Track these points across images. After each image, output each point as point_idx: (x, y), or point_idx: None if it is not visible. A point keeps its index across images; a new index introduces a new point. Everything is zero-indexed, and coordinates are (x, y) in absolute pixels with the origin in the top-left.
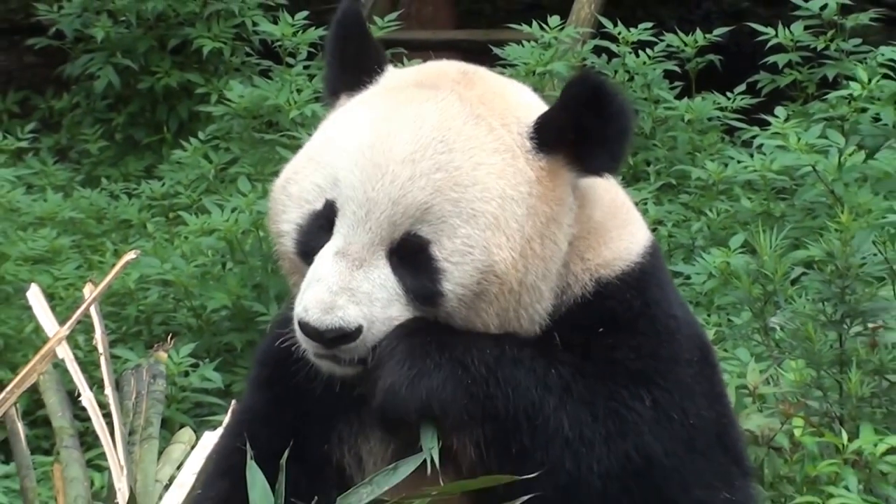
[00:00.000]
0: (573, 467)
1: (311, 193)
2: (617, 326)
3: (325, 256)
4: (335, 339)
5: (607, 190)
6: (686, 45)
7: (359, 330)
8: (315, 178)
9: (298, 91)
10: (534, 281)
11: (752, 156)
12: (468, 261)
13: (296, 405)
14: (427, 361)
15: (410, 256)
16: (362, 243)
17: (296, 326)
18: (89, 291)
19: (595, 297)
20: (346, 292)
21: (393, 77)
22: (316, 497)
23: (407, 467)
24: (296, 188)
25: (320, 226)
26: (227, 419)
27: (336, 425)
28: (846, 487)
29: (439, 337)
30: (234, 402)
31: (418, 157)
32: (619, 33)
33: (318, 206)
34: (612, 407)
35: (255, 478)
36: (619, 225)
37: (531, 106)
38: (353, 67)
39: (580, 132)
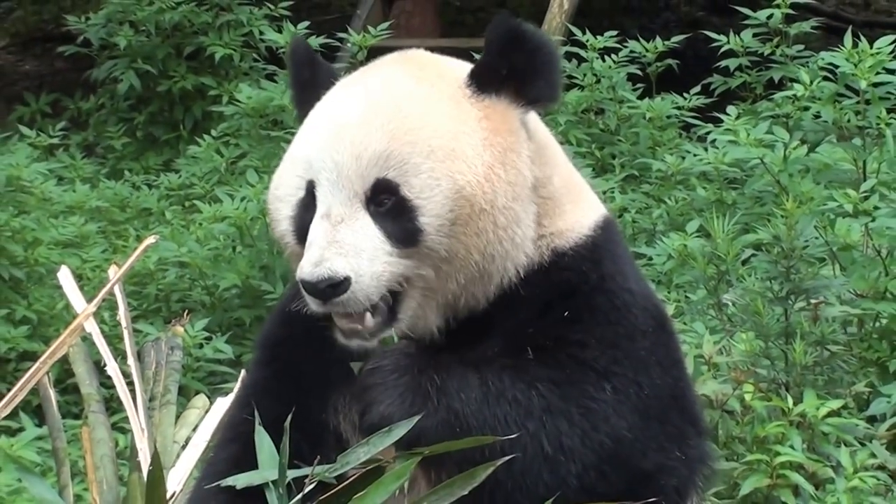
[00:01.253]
0: (552, 479)
1: (294, 186)
2: (577, 304)
3: (313, 224)
4: (328, 290)
5: (567, 167)
6: (647, 50)
7: (347, 280)
8: (293, 172)
9: None
10: (505, 202)
11: (706, 150)
12: (436, 192)
13: (294, 380)
14: (428, 404)
15: (385, 203)
16: (339, 201)
17: (302, 291)
18: (113, 272)
19: (552, 267)
20: (332, 246)
21: (348, 77)
22: (318, 457)
23: (400, 430)
24: (282, 189)
25: (309, 208)
26: (236, 387)
27: (331, 397)
28: (791, 446)
29: (441, 380)
30: (243, 371)
31: (370, 116)
32: (588, 41)
33: (302, 193)
34: (583, 405)
35: (263, 441)
36: (573, 200)
37: (466, 66)
38: (311, 87)
39: (511, 70)
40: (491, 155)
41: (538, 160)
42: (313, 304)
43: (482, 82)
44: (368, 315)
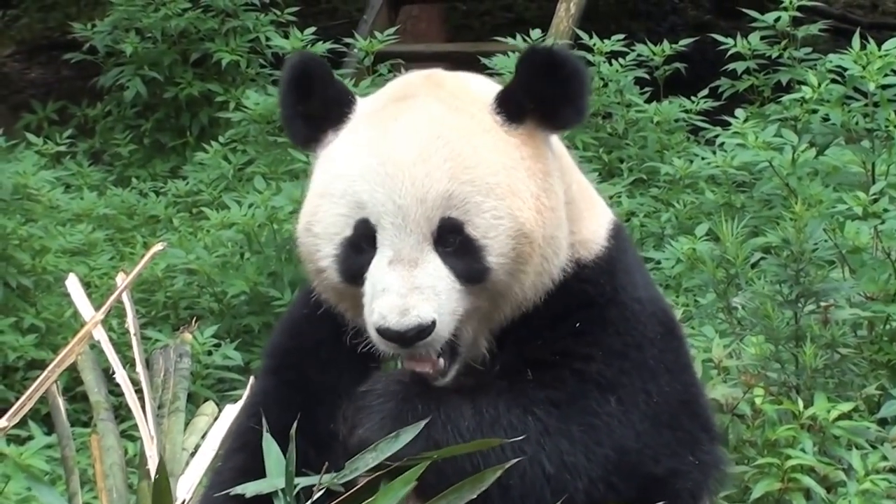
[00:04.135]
0: (556, 498)
1: (337, 225)
2: (590, 316)
3: (381, 268)
4: (414, 338)
5: (578, 172)
6: (654, 54)
7: (433, 323)
8: (336, 210)
9: None
10: (552, 232)
11: (714, 153)
12: (500, 231)
13: (303, 390)
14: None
15: (452, 243)
16: (410, 245)
17: (373, 334)
18: (121, 280)
19: (572, 279)
20: (414, 292)
21: (367, 103)
22: (326, 463)
23: (407, 435)
24: (320, 226)
25: (358, 248)
26: (245, 394)
27: (340, 406)
28: (802, 450)
29: (424, 409)
30: (252, 378)
31: (425, 156)
32: (595, 44)
33: (349, 232)
34: (585, 422)
35: (271, 448)
36: (588, 207)
37: (492, 89)
38: (336, 104)
39: (541, 98)
40: (535, 185)
41: (561, 173)
42: (389, 349)
43: (511, 112)
44: (440, 359)
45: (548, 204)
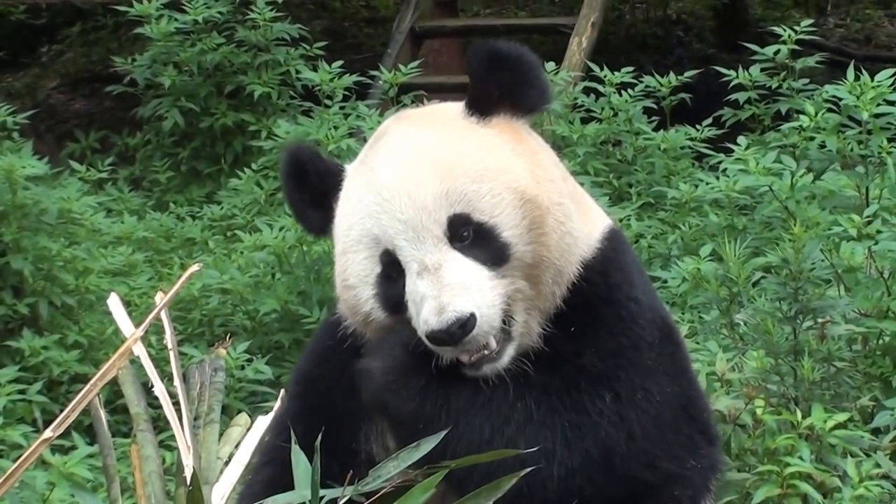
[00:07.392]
0: (525, 479)
1: (366, 267)
2: (586, 315)
3: (413, 283)
4: (457, 332)
5: (568, 176)
6: (662, 85)
7: (473, 317)
8: (360, 256)
9: (335, 128)
10: (557, 199)
11: (718, 178)
12: (504, 205)
13: (326, 412)
14: (403, 393)
15: (466, 236)
16: (428, 252)
17: (428, 345)
18: (160, 299)
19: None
20: (445, 290)
21: (353, 163)
22: (351, 472)
23: (428, 444)
24: (353, 277)
25: (390, 278)
26: (276, 406)
27: (362, 427)
28: (800, 458)
29: (423, 390)
30: (282, 390)
31: (412, 169)
32: (606, 76)
33: (378, 269)
34: (572, 419)
35: (299, 460)
36: (582, 210)
37: (453, 103)
38: (329, 174)
39: (501, 89)
40: (525, 160)
41: (554, 164)
42: (443, 353)
43: (481, 108)
44: (492, 340)
45: (544, 175)
